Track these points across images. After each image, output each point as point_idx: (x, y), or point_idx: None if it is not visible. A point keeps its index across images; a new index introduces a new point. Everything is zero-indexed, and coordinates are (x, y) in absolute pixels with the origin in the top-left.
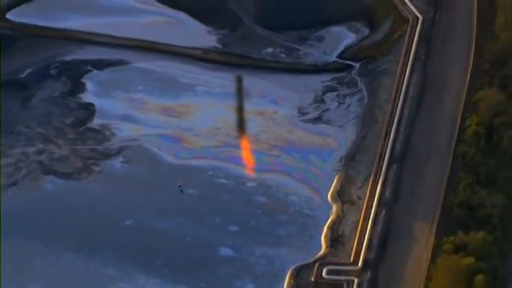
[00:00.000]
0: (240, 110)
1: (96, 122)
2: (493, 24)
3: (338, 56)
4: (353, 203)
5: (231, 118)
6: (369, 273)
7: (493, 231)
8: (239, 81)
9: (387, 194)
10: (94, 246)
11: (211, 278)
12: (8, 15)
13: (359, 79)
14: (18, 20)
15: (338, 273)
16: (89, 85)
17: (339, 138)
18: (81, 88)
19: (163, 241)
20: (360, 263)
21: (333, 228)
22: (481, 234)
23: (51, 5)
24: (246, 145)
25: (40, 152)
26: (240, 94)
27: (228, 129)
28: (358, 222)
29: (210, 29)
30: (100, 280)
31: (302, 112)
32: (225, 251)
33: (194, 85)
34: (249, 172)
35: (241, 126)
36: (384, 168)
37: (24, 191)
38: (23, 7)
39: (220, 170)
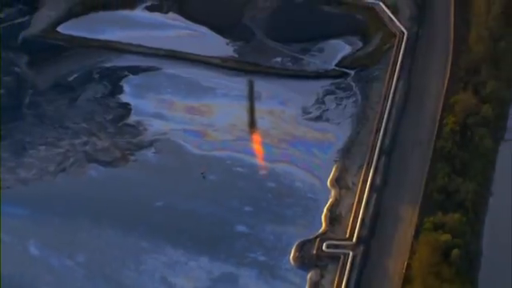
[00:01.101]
0: (253, 110)
1: (132, 119)
2: (467, 38)
3: (336, 64)
4: (348, 188)
5: (246, 116)
6: (362, 247)
7: (466, 213)
8: (252, 85)
9: (377, 180)
10: (130, 223)
11: (229, 250)
12: (58, 28)
13: (354, 84)
14: (66, 32)
15: (336, 247)
16: (125, 87)
17: (337, 133)
18: (119, 90)
19: (188, 219)
20: (354, 239)
21: (331, 209)
22: (456, 215)
23: (94, 20)
24: (258, 139)
25: (85, 143)
26: (253, 96)
27: (243, 125)
28: (353, 204)
29: (227, 41)
30: (136, 252)
31: (305, 112)
32: (240, 228)
33: (215, 88)
34: (261, 162)
35: (254, 123)
36: (375, 159)
37: (71, 176)
38: (71, 22)
39: (236, 159)
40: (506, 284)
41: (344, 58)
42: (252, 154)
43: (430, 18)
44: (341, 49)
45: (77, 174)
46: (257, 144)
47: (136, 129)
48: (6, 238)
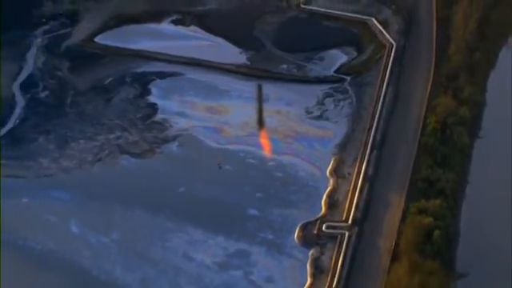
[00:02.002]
0: (261, 110)
1: (158, 117)
2: (447, 50)
3: (335, 71)
4: (344, 177)
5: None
6: (356, 228)
7: (446, 199)
8: (261, 88)
9: (370, 171)
10: (156, 206)
11: (242, 230)
12: (95, 39)
13: (350, 88)
14: (102, 42)
15: (334, 228)
16: (153, 90)
17: (335, 130)
18: (147, 92)
19: (207, 203)
20: (350, 221)
21: (330, 195)
22: (437, 201)
23: (126, 32)
24: (267, 134)
25: (118, 138)
26: (261, 98)
27: (254, 123)
28: (349, 191)
29: (241, 50)
30: (162, 231)
31: (308, 111)
32: (252, 211)
33: (230, 91)
34: (269, 154)
35: (262, 121)
36: (367, 153)
37: (106, 166)
38: (106, 33)
39: (248, 152)
40: (481, 261)
41: (341, 66)
42: (262, 147)
43: (416, 32)
44: (338, 58)
45: (111, 163)
46: (266, 139)
47: (162, 125)
48: (50, 218)
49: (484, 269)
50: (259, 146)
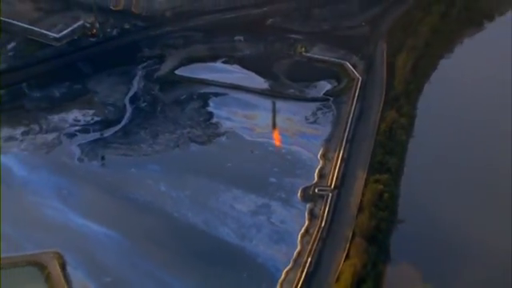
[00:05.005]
0: (275, 117)
1: (213, 120)
2: (393, 82)
3: (323, 94)
4: (329, 160)
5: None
6: (336, 191)
7: (391, 174)
8: (275, 104)
9: (345, 156)
10: (213, 175)
11: (265, 191)
12: (175, 72)
13: (332, 105)
14: (179, 74)
15: (323, 190)
16: (210, 103)
17: (323, 131)
18: (207, 105)
19: (245, 174)
20: (332, 186)
21: (320, 170)
22: (386, 176)
23: (194, 67)
24: (280, 132)
25: (188, 133)
26: (275, 110)
27: (272, 125)
28: (331, 168)
29: (264, 80)
30: (216, 191)
31: (306, 119)
32: (271, 180)
33: (259, 105)
34: (282, 145)
35: (275, 124)
36: (343, 144)
37: (182, 150)
38: (182, 68)
39: (269, 143)
40: (413, 212)
41: (327, 91)
42: (277, 140)
43: (373, 71)
44: (325, 86)
45: (184, 148)
46: (280, 135)
47: (216, 125)
48: (148, 181)
49: (415, 217)
50: (276, 139)
